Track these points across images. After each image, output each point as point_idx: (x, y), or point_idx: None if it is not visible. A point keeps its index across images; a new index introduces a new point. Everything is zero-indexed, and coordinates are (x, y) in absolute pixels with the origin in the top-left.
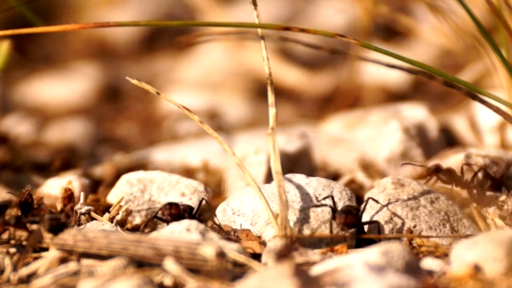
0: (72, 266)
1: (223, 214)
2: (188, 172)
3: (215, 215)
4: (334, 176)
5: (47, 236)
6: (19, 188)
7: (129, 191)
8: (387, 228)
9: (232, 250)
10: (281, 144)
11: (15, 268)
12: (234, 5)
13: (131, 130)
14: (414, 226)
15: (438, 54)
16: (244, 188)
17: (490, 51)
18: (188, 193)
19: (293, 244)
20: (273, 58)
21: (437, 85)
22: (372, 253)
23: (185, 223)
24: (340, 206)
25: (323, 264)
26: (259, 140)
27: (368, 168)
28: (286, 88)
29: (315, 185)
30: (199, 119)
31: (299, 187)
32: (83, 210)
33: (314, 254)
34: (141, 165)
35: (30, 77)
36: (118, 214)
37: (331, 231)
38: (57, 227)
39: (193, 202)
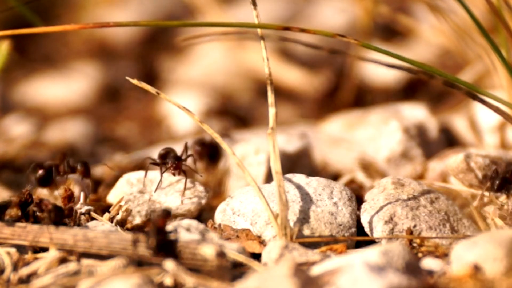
0: (72, 266)
1: (223, 214)
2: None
3: None
4: (334, 176)
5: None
6: (19, 188)
7: (129, 191)
8: (387, 228)
9: (232, 250)
10: (281, 144)
11: (15, 268)
12: (234, 5)
13: (131, 130)
14: (414, 226)
15: (438, 54)
16: (244, 188)
17: (490, 51)
18: (188, 193)
19: None
20: (273, 58)
21: (437, 85)
22: (372, 253)
23: (185, 223)
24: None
25: (323, 264)
26: (259, 140)
27: (368, 168)
28: (286, 88)
29: (315, 185)
30: (199, 119)
31: (299, 187)
32: (83, 210)
33: (314, 254)
34: (141, 165)
35: (30, 77)
36: (118, 214)
37: None
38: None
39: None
